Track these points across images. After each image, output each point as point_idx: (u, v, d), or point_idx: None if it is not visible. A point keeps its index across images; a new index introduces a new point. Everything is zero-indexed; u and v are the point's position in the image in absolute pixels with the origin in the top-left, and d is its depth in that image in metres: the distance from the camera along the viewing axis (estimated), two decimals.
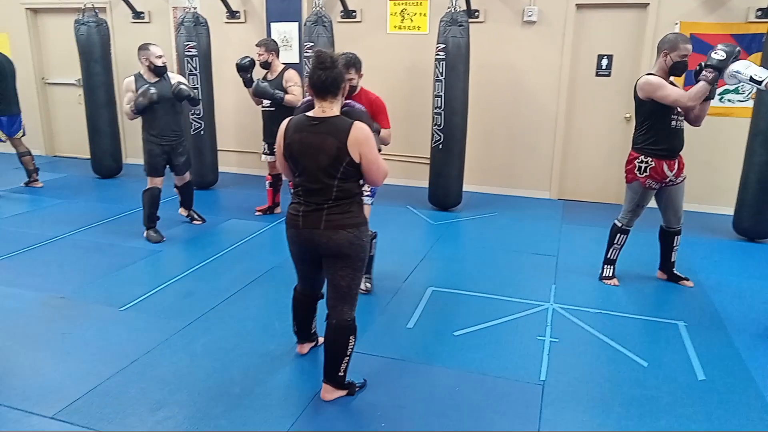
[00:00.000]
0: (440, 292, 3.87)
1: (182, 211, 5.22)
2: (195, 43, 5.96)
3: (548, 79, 6.00)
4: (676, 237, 3.95)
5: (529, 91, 6.09)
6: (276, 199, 5.54)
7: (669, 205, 3.86)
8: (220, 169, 6.64)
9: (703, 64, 3.46)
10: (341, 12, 6.42)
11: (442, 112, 5.48)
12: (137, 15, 7.13)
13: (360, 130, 2.42)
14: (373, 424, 2.52)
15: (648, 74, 3.62)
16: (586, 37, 5.89)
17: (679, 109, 3.60)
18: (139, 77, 4.60)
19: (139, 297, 3.70)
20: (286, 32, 6.48)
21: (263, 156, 5.34)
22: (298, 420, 2.53)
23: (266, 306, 3.62)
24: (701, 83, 3.41)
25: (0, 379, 2.81)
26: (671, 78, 3.67)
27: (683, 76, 3.95)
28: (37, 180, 6.45)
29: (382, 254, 3.90)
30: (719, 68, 3.35)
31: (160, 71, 4.59)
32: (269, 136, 5.14)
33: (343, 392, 2.67)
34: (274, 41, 5.23)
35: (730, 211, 5.12)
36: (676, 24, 5.46)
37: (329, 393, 2.65)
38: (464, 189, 5.84)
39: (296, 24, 6.40)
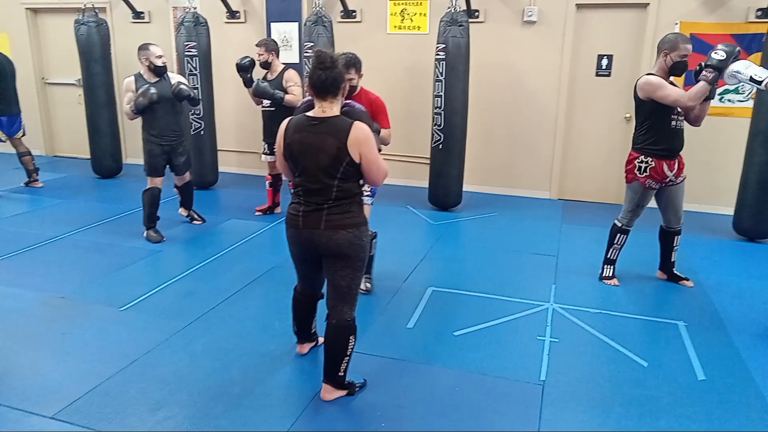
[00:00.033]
0: (440, 292, 3.87)
1: (182, 211, 5.23)
2: (195, 43, 5.96)
3: (548, 79, 6.00)
4: (676, 237, 3.95)
5: (529, 91, 6.09)
6: (276, 199, 5.54)
7: (669, 205, 3.86)
8: (220, 169, 6.64)
9: (703, 64, 3.46)
10: (341, 12, 6.42)
11: (442, 112, 5.48)
12: (137, 15, 7.13)
13: (360, 130, 2.42)
14: (373, 424, 2.52)
15: (648, 74, 3.62)
16: (586, 37, 5.89)
17: (679, 109, 3.60)
18: (139, 77, 4.60)
19: (139, 297, 3.70)
20: (286, 32, 6.48)
21: (263, 156, 5.34)
22: (298, 420, 2.53)
23: (266, 306, 3.62)
24: (701, 83, 3.41)
25: (0, 378, 2.81)
26: (671, 78, 3.67)
27: (683, 76, 3.95)
28: (37, 180, 6.45)
29: (382, 254, 3.90)
30: (719, 68, 3.35)
31: (160, 71, 4.59)
32: (269, 136, 5.14)
33: (343, 392, 2.67)
34: (274, 41, 5.23)
35: (730, 211, 5.12)
36: (676, 24, 5.46)
37: (329, 393, 2.65)
38: (464, 189, 5.84)
39: (296, 24, 6.40)
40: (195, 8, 6.10)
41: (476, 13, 6.01)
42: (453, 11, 5.33)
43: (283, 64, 5.22)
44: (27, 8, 7.72)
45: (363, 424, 2.53)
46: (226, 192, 6.41)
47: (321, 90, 2.43)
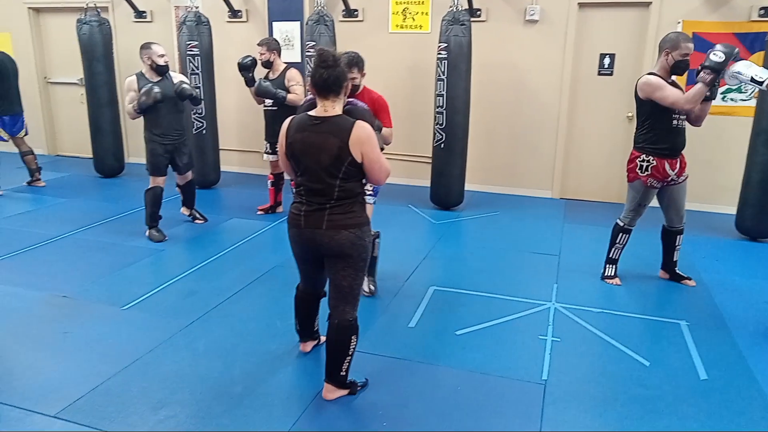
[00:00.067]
0: (442, 291, 3.87)
1: (184, 211, 5.23)
2: (197, 43, 5.96)
3: (550, 78, 5.99)
4: (678, 236, 3.95)
5: (531, 90, 6.09)
6: (278, 199, 5.54)
7: (671, 205, 3.85)
8: (222, 168, 6.64)
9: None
10: (343, 11, 6.42)
11: (444, 111, 5.47)
12: (139, 14, 7.14)
13: (362, 129, 2.41)
14: (374, 423, 2.53)
15: (649, 74, 3.62)
16: (589, 36, 5.88)
17: None
18: (141, 76, 4.60)
19: (141, 296, 3.70)
20: (287, 31, 6.48)
21: (265, 155, 5.35)
22: (300, 419, 2.53)
23: (268, 305, 3.62)
24: (699, 85, 3.41)
25: (2, 377, 2.82)
26: (673, 77, 3.67)
27: (685, 74, 3.94)
28: (39, 179, 6.46)
29: (384, 253, 3.90)
30: (717, 70, 3.34)
31: (162, 70, 4.59)
32: (271, 136, 5.14)
33: (345, 391, 2.67)
34: (276, 40, 5.23)
35: (733, 210, 5.11)
36: (679, 23, 5.45)
37: (331, 392, 2.65)
38: (466, 188, 5.83)
39: (298, 23, 6.40)
40: (197, 7, 6.10)
41: (478, 12, 6.00)
42: (455, 10, 5.33)
43: (285, 63, 5.22)
44: (29, 7, 7.72)
45: (365, 424, 2.53)
46: (228, 191, 6.41)
47: (323, 89, 2.43)
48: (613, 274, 4.04)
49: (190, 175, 5.02)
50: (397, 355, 3.05)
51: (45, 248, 4.54)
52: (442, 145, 5.57)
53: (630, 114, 5.75)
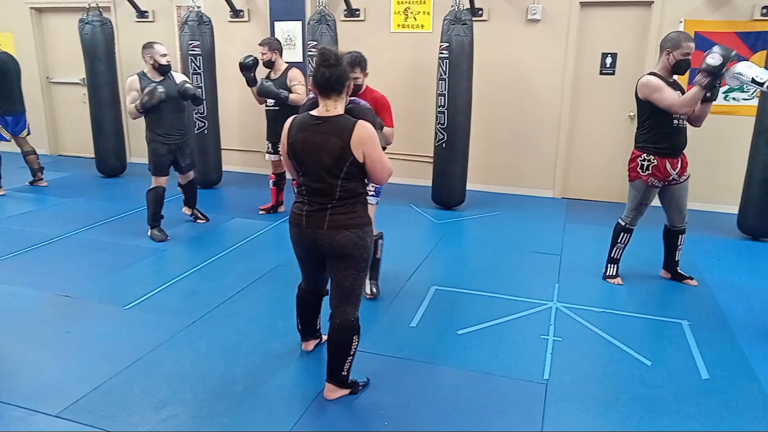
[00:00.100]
0: (443, 290, 3.87)
1: (186, 210, 5.23)
2: (199, 42, 5.97)
3: (552, 77, 5.99)
4: (680, 236, 3.94)
5: (532, 90, 6.08)
6: (279, 198, 5.55)
7: (673, 204, 3.85)
8: (224, 168, 6.65)
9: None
10: (345, 11, 6.42)
11: (446, 111, 5.47)
12: (141, 14, 7.14)
13: (363, 129, 2.41)
14: (376, 423, 2.53)
15: (649, 74, 3.62)
16: (590, 35, 5.87)
17: None
18: (142, 76, 4.60)
19: (143, 296, 3.71)
20: (289, 31, 6.48)
21: (267, 155, 5.35)
22: (302, 419, 2.53)
23: (269, 305, 3.63)
24: (695, 88, 3.40)
25: (4, 377, 2.83)
26: (675, 76, 3.66)
27: (687, 74, 3.93)
28: (41, 179, 6.47)
29: (386, 253, 3.89)
30: (713, 73, 3.32)
31: (164, 70, 4.60)
32: (272, 135, 5.14)
33: (347, 391, 2.67)
34: (277, 40, 5.24)
35: (735, 209, 5.10)
36: (681, 22, 5.44)
37: (332, 392, 2.65)
38: (467, 188, 5.83)
39: (300, 23, 6.40)
40: (199, 7, 6.11)
41: (480, 12, 6.00)
42: (457, 10, 5.33)
43: (287, 63, 5.22)
44: (31, 8, 7.74)
45: (366, 423, 2.53)
46: (230, 191, 6.42)
47: (325, 88, 2.42)
48: (614, 273, 4.03)
49: (192, 174, 5.02)
50: (399, 354, 3.05)
51: (47, 248, 4.55)
52: (444, 144, 5.57)
53: (632, 113, 5.74)
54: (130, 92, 4.58)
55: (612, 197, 6.02)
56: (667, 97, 3.50)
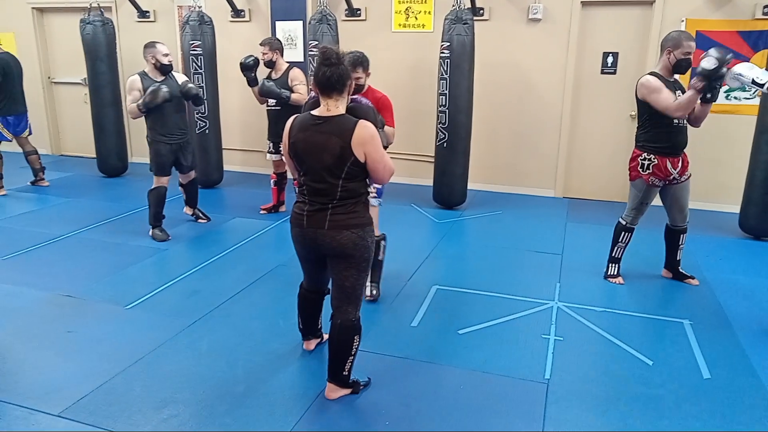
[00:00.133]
0: (445, 290, 3.87)
1: (187, 210, 5.24)
2: (200, 42, 5.97)
3: (553, 77, 5.99)
4: (681, 235, 3.94)
5: (534, 89, 6.08)
6: (281, 198, 5.55)
7: (674, 204, 3.85)
8: (225, 167, 6.65)
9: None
10: (346, 10, 6.42)
11: (447, 111, 5.47)
12: (142, 14, 7.15)
13: (364, 128, 2.40)
14: (377, 422, 2.53)
15: (650, 73, 3.61)
16: (592, 34, 5.87)
17: None
18: (144, 76, 4.60)
19: (145, 295, 3.71)
20: (290, 31, 6.48)
21: (268, 155, 5.35)
22: (303, 418, 2.53)
23: (271, 305, 3.63)
24: (690, 92, 3.39)
25: (6, 377, 2.83)
26: (675, 76, 3.66)
27: (688, 73, 3.93)
28: (43, 179, 6.48)
29: (387, 253, 3.90)
30: (708, 76, 3.29)
31: (166, 69, 4.60)
32: (274, 135, 5.14)
33: (348, 391, 2.67)
34: (278, 40, 5.24)
35: (737, 209, 5.10)
36: (682, 21, 5.44)
37: (333, 392, 2.65)
38: (469, 187, 5.83)
39: (301, 22, 6.40)
40: (200, 7, 6.11)
41: (481, 11, 6.00)
42: (458, 9, 5.32)
43: (288, 62, 5.22)
44: (33, 8, 7.75)
45: (367, 423, 2.53)
46: (231, 191, 6.42)
47: (326, 87, 2.42)
48: (615, 272, 4.03)
49: (193, 174, 5.03)
50: (400, 354, 3.05)
51: (48, 248, 4.56)
52: (445, 144, 5.57)
53: (633, 113, 5.73)
54: (131, 92, 4.58)
55: (613, 197, 6.02)
56: (663, 99, 3.49)
